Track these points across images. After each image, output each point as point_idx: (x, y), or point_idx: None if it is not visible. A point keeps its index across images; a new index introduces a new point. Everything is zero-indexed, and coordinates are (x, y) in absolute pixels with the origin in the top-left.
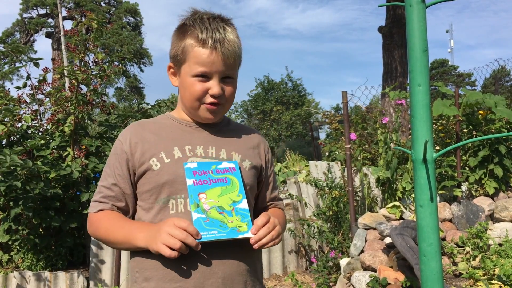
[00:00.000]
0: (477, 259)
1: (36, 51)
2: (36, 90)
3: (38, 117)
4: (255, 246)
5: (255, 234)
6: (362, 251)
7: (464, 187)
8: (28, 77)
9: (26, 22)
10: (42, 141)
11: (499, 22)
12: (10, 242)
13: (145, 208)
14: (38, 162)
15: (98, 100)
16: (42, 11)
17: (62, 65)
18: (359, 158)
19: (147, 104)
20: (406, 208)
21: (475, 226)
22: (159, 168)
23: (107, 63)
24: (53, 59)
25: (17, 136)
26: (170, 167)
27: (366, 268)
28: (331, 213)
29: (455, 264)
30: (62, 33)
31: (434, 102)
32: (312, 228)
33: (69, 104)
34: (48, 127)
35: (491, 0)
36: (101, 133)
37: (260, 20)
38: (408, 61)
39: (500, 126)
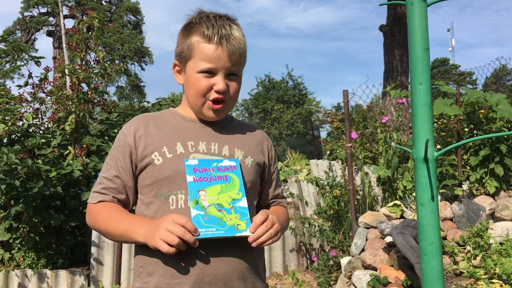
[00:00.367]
0: (478, 258)
1: (37, 50)
2: (37, 88)
3: (39, 116)
4: (253, 244)
5: (253, 232)
6: (363, 250)
7: (465, 186)
8: (30, 76)
9: (27, 21)
10: (43, 140)
11: (500, 21)
12: (11, 241)
13: (145, 202)
14: (39, 161)
15: (99, 98)
16: (43, 10)
17: (63, 64)
18: (360, 157)
19: (148, 102)
20: (407, 207)
21: (476, 225)
22: (161, 163)
23: (108, 62)
24: (54, 58)
25: (18, 134)
26: (171, 162)
27: (366, 267)
28: (332, 212)
29: (456, 263)
30: (63, 31)
31: (435, 101)
32: (313, 226)
33: (70, 103)
34: (49, 126)
35: None
36: (102, 131)
37: (261, 18)
38: (409, 60)
39: (501, 125)
